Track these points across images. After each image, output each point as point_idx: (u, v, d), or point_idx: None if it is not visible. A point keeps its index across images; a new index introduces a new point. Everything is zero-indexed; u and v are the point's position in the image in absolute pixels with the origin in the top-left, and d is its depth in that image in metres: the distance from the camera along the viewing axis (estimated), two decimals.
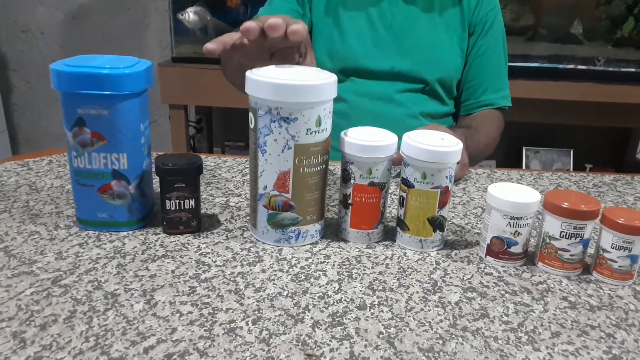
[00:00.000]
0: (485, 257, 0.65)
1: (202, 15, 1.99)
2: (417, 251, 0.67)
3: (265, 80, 0.59)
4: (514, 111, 1.91)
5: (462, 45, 1.07)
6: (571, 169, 2.26)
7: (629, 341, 0.51)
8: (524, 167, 2.26)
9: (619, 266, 0.60)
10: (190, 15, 1.98)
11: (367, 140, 0.64)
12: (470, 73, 1.09)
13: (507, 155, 2.36)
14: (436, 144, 0.62)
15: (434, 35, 1.05)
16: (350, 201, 0.67)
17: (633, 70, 1.83)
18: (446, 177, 0.63)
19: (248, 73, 0.61)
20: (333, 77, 0.63)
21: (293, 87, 0.59)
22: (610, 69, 1.83)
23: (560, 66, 1.84)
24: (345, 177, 0.67)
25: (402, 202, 0.67)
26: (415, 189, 0.64)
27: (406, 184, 0.65)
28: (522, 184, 0.85)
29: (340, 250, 0.66)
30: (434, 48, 1.05)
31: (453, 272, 0.62)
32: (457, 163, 0.85)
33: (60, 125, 2.32)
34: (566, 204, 0.60)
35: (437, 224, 0.66)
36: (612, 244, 0.60)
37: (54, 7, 2.34)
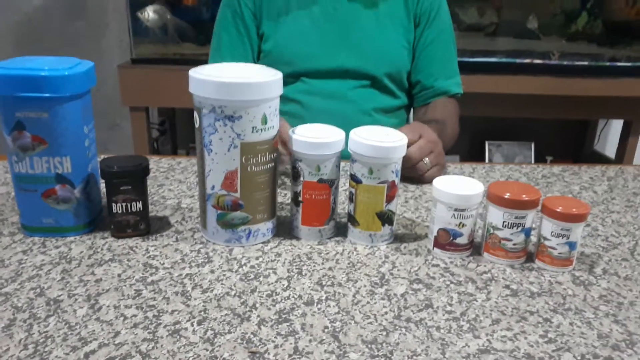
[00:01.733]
0: (433, 249, 0.66)
1: (162, 13, 1.97)
2: (367, 245, 0.68)
3: (208, 79, 0.59)
4: (476, 106, 1.95)
5: (409, 37, 1.08)
6: (532, 162, 2.31)
7: (565, 324, 0.53)
8: (486, 160, 2.30)
9: (559, 253, 0.62)
10: (149, 14, 1.95)
11: (314, 137, 0.65)
12: (419, 64, 1.10)
13: (470, 150, 2.41)
14: (381, 140, 0.63)
15: (379, 30, 1.05)
16: (300, 199, 0.67)
17: (586, 63, 1.89)
18: (392, 172, 0.64)
19: (191, 72, 0.61)
20: (278, 75, 0.63)
21: (236, 85, 0.59)
22: (565, 63, 1.88)
23: (518, 61, 1.88)
24: (295, 174, 0.67)
25: (351, 198, 0.67)
26: (363, 185, 0.65)
27: (354, 179, 0.66)
28: (473, 176, 0.88)
29: (292, 248, 0.66)
30: (379, 43, 1.06)
31: (401, 265, 0.63)
32: (437, 164, 0.87)
33: None
34: (508, 194, 0.62)
35: (385, 218, 0.67)
36: (552, 231, 0.62)
37: (9, 10, 2.27)
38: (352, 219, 0.68)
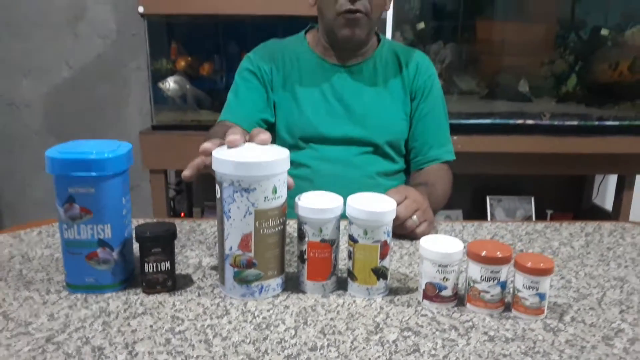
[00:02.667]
0: (422, 301, 0.76)
1: (182, 84, 2.15)
2: (365, 298, 0.77)
3: (228, 159, 0.71)
4: (475, 163, 2.07)
5: (406, 110, 1.22)
6: (533, 216, 2.40)
7: None
8: (488, 215, 2.39)
9: (531, 303, 0.71)
10: (170, 84, 2.13)
11: (316, 203, 0.76)
12: (415, 133, 1.23)
13: (473, 205, 2.50)
14: (373, 206, 0.74)
15: (380, 104, 1.19)
16: (305, 257, 0.78)
17: (576, 123, 2.01)
18: (384, 232, 0.75)
19: (214, 152, 0.73)
20: (285, 153, 0.75)
21: (251, 164, 0.71)
22: (556, 123, 2.01)
23: (511, 121, 2.02)
24: (301, 235, 0.78)
25: (350, 256, 0.78)
26: (360, 244, 0.76)
27: (352, 239, 0.76)
28: (462, 234, 0.98)
29: (299, 301, 0.76)
30: (380, 115, 1.19)
31: (394, 315, 0.72)
32: (425, 220, 0.97)
33: (42, 192, 2.40)
34: (484, 252, 0.72)
35: (380, 273, 0.76)
36: (523, 284, 0.71)
37: (39, 81, 2.48)
38: (351, 274, 0.78)
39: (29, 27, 2.42)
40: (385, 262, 0.77)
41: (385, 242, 0.76)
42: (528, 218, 2.40)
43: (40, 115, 2.52)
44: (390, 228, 0.76)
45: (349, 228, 0.77)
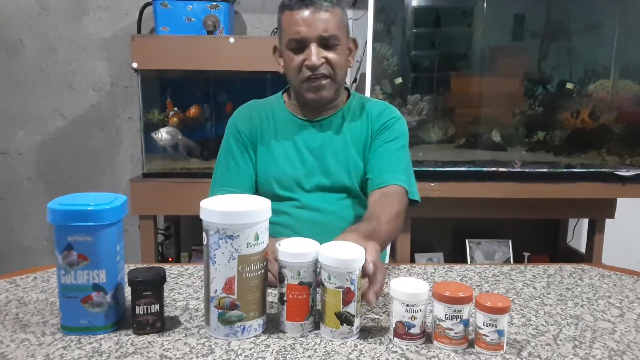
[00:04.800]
0: (393, 339, 0.82)
1: (174, 134, 2.24)
2: (331, 340, 0.82)
3: (214, 209, 0.79)
4: (453, 208, 2.16)
5: (367, 153, 1.29)
6: (511, 258, 2.48)
7: None
8: (468, 258, 2.46)
9: (490, 339, 0.78)
10: (163, 134, 2.22)
11: (294, 248, 0.83)
12: (370, 162, 1.27)
13: (453, 248, 2.58)
14: (340, 254, 0.81)
15: (347, 151, 1.27)
16: (285, 298, 0.84)
17: (545, 170, 2.13)
18: (347, 279, 0.80)
19: (202, 203, 0.81)
20: (267, 203, 0.83)
21: (235, 213, 0.79)
22: (527, 170, 2.12)
23: (485, 169, 2.13)
24: (281, 279, 0.85)
25: (320, 299, 0.84)
26: (326, 288, 0.82)
27: (321, 283, 0.83)
28: (433, 276, 1.05)
29: (279, 340, 0.82)
30: (347, 161, 1.27)
31: (367, 352, 0.79)
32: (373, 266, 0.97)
33: (30, 239, 2.44)
34: (447, 292, 0.79)
35: (343, 318, 0.81)
36: (483, 322, 0.78)
37: (33, 131, 2.56)
38: (320, 316, 0.84)
39: (27, 82, 2.52)
40: (350, 309, 0.81)
41: (349, 289, 0.81)
42: (506, 260, 2.47)
43: (32, 162, 2.59)
44: (355, 277, 0.81)
45: (320, 272, 0.83)
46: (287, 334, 0.84)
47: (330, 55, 1.19)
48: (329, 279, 0.81)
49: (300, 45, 1.18)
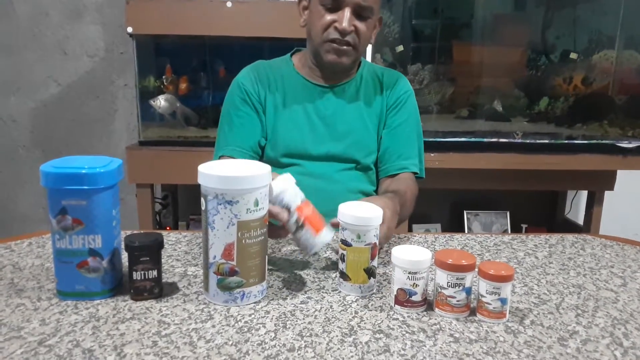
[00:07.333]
0: (394, 306, 0.81)
1: (172, 102, 2.20)
2: (357, 296, 0.84)
3: (213, 173, 0.77)
4: (453, 179, 2.15)
5: (382, 126, 1.28)
6: (509, 230, 2.48)
7: None
8: (466, 229, 2.46)
9: (493, 307, 0.77)
10: (161, 102, 2.18)
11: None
12: (385, 142, 1.28)
13: (451, 219, 2.58)
14: (365, 213, 0.82)
15: (361, 122, 1.25)
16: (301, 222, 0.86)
17: (546, 141, 2.11)
18: (374, 235, 0.83)
19: (200, 167, 0.79)
20: (267, 168, 0.81)
21: (234, 178, 0.76)
22: (528, 141, 2.10)
23: (486, 140, 2.10)
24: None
25: (342, 258, 0.84)
26: (352, 247, 0.82)
27: (345, 243, 0.83)
28: (434, 245, 1.03)
29: (279, 307, 0.81)
30: (361, 132, 1.25)
31: (367, 319, 0.78)
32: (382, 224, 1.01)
33: (26, 206, 2.43)
34: (450, 260, 0.78)
35: (370, 272, 0.84)
36: (486, 290, 0.77)
37: (27, 97, 2.51)
38: (344, 275, 0.84)
39: (19, 46, 2.45)
40: (374, 262, 0.85)
41: (375, 244, 0.83)
42: (504, 232, 2.48)
43: (27, 130, 2.54)
44: (378, 232, 0.84)
45: (342, 234, 0.83)
46: (288, 299, 0.83)
47: (361, 25, 1.16)
48: (359, 238, 0.82)
49: (335, 5, 1.15)
